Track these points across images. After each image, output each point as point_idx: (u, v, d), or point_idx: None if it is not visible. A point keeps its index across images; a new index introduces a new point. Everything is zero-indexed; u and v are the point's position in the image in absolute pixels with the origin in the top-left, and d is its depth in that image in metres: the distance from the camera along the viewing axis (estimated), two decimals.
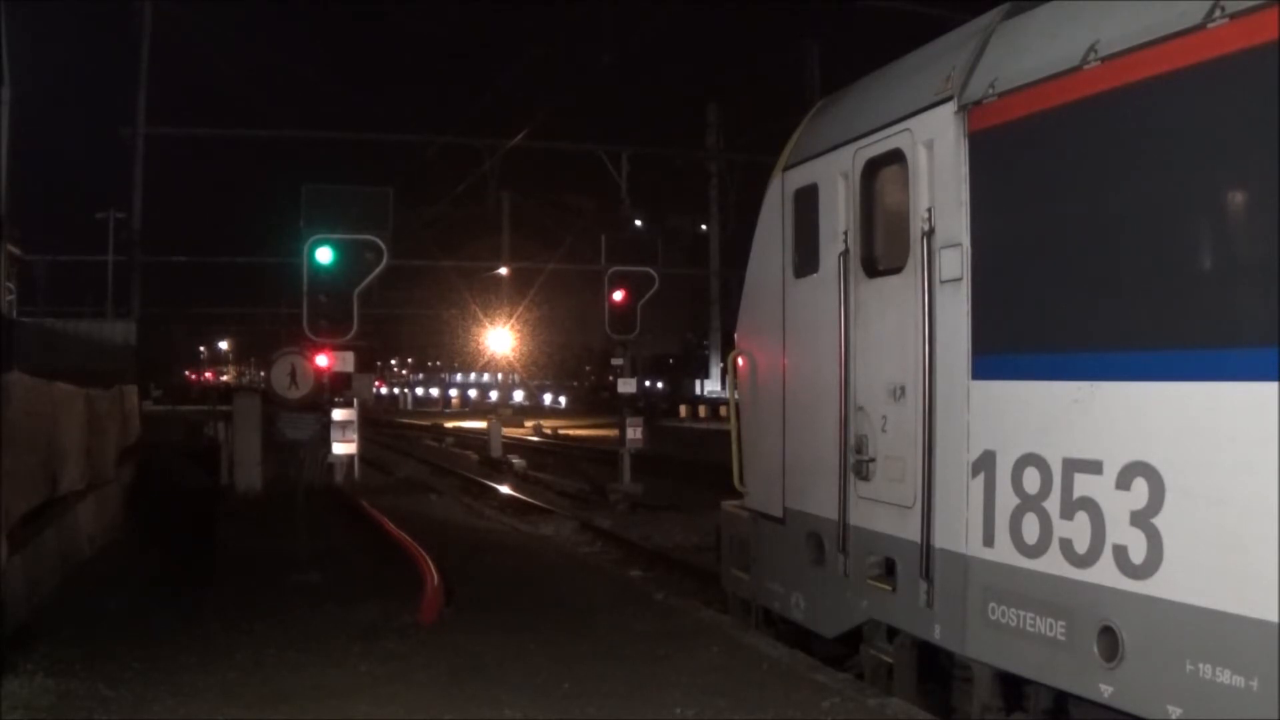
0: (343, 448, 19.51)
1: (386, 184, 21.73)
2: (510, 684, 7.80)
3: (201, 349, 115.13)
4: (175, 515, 16.89)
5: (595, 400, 71.04)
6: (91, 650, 8.45)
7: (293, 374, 13.13)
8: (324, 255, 17.24)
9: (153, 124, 29.51)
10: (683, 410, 55.50)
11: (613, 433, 27.53)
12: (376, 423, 53.95)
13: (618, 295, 23.26)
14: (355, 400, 20.18)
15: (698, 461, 27.83)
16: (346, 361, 19.53)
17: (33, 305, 45.32)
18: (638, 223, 47.80)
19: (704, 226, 54.29)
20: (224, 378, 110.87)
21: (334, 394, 19.52)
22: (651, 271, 23.51)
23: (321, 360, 15.77)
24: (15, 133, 7.92)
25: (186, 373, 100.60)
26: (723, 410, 37.15)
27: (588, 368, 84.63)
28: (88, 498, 13.08)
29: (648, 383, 57.58)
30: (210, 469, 22.08)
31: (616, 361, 24.84)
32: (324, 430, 17.76)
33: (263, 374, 21.53)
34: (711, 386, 56.28)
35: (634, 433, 23.42)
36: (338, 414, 18.93)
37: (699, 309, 58.09)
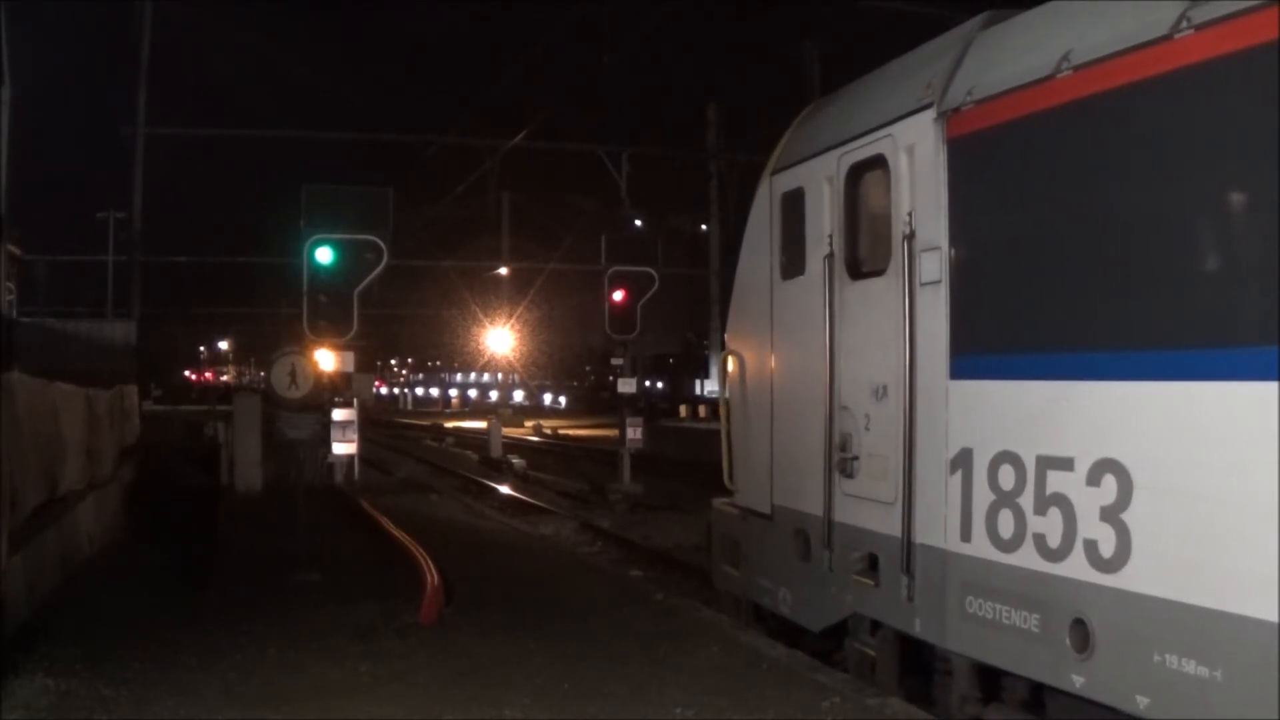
0: (343, 448, 19.62)
1: (386, 184, 21.78)
2: (510, 684, 7.85)
3: (201, 349, 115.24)
4: (175, 515, 16.97)
5: (595, 400, 71.10)
6: (91, 650, 8.50)
7: (293, 374, 13.20)
8: (324, 255, 17.35)
9: (153, 124, 29.53)
10: (683, 410, 55.62)
11: (613, 433, 27.61)
12: (376, 423, 54.09)
13: (618, 295, 23.35)
14: (355, 400, 20.33)
15: (697, 461, 27.89)
16: (347, 361, 19.74)
17: (33, 305, 45.29)
18: (638, 223, 47.83)
19: (704, 226, 54.31)
20: (224, 378, 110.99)
21: (334, 394, 19.68)
22: (651, 271, 23.61)
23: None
24: (15, 132, 7.99)
25: (186, 373, 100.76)
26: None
27: (588, 368, 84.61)
28: (88, 498, 13.16)
29: (648, 383, 57.67)
30: (210, 469, 22.18)
31: (616, 361, 24.95)
32: (324, 430, 17.87)
33: (263, 374, 21.58)
34: (711, 386, 56.23)
35: (634, 433, 23.52)
36: (338, 414, 19.04)
37: (699, 309, 58.11)
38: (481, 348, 60.87)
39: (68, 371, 14.18)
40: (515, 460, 30.90)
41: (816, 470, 7.92)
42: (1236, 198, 4.94)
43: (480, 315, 55.51)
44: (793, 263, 8.49)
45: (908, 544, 6.78)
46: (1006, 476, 5.95)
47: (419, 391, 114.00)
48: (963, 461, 6.28)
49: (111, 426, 16.02)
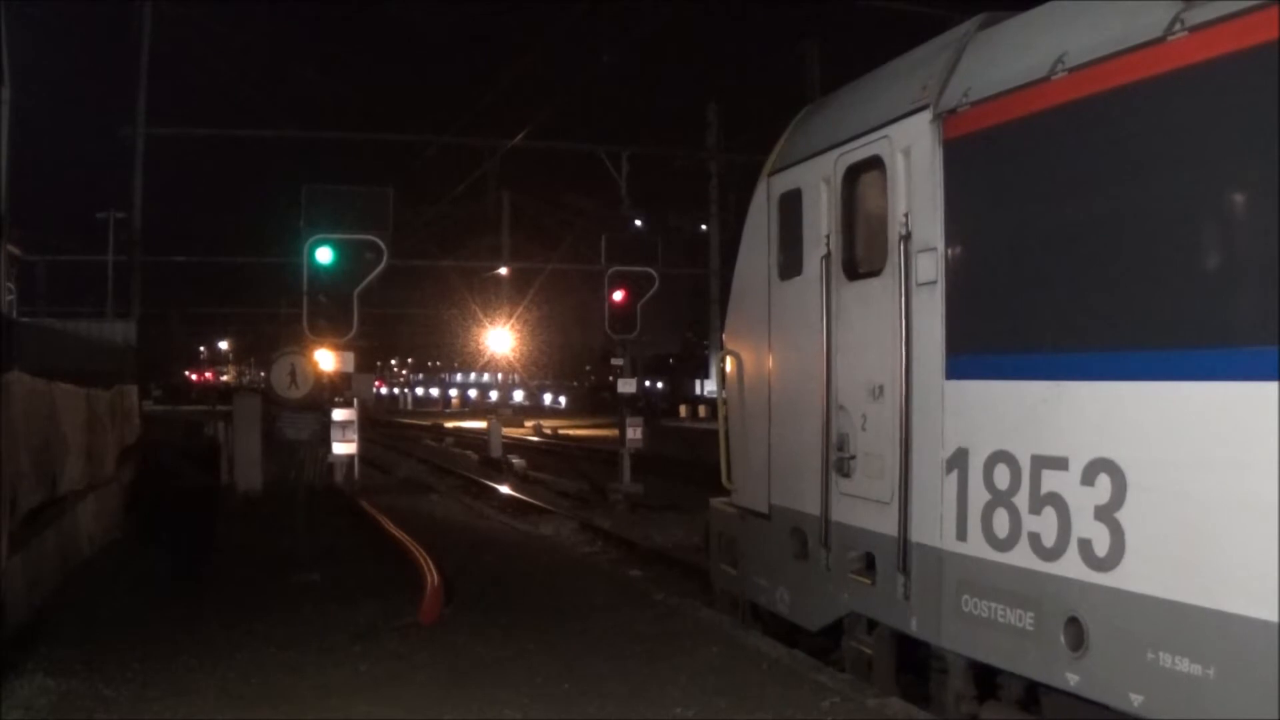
0: (343, 448, 19.61)
1: (386, 184, 21.77)
2: (510, 684, 7.87)
3: (201, 349, 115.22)
4: (175, 515, 16.97)
5: (595, 400, 71.17)
6: (91, 650, 8.53)
7: (293, 374, 13.24)
8: (324, 255, 17.37)
9: (153, 124, 29.51)
10: (683, 410, 55.74)
11: (613, 433, 27.59)
12: (376, 423, 54.13)
13: (618, 295, 23.33)
14: (355, 400, 20.35)
15: (697, 461, 27.85)
16: (347, 361, 19.74)
17: (33, 305, 45.32)
18: (638, 223, 47.85)
19: (704, 226, 54.31)
20: (224, 378, 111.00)
21: (334, 394, 19.70)
22: (651, 271, 23.57)
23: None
24: (15, 132, 8.02)
25: (186, 373, 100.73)
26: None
27: (588, 368, 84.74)
28: (88, 498, 13.16)
29: (648, 383, 57.70)
30: (210, 469, 22.17)
31: (616, 361, 24.90)
32: (324, 430, 17.89)
33: (263, 374, 21.61)
34: (711, 386, 56.37)
35: (634, 433, 23.48)
36: (338, 414, 19.03)
37: (699, 309, 58.14)
38: (481, 348, 60.90)
39: (68, 371, 14.19)
40: (515, 460, 30.88)
41: (814, 470, 7.96)
42: (1231, 198, 4.97)
43: (480, 315, 55.55)
44: (790, 263, 8.52)
45: (904, 543, 6.81)
46: (1002, 476, 5.97)
47: (419, 391, 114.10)
48: (958, 461, 6.31)
49: (111, 426, 16.01)
